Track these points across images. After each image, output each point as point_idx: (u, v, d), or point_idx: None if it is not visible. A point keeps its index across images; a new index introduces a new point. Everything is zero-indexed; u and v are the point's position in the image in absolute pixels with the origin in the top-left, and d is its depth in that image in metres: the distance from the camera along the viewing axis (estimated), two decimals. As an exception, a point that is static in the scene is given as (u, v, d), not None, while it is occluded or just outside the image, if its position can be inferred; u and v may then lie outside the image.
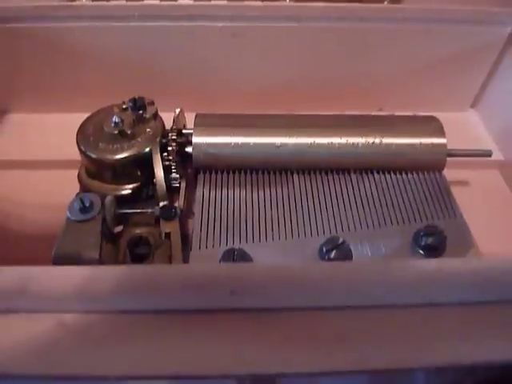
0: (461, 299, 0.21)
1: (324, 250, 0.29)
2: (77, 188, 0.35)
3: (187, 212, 0.34)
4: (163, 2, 0.39)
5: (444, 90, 0.46)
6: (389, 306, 0.20)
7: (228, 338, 0.19)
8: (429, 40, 0.42)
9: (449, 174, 0.36)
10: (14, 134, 0.43)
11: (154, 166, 0.32)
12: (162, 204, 0.31)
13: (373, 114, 0.39)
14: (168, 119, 0.36)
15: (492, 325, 0.21)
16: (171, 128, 0.34)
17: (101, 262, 0.28)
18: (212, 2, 0.39)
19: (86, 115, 0.36)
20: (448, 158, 0.36)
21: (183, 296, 0.19)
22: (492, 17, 0.41)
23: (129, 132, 0.34)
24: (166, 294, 0.19)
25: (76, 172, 0.35)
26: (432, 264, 0.20)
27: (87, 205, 0.28)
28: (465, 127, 0.47)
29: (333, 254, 0.29)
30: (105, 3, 0.39)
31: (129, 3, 0.39)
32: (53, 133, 0.42)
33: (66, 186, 0.34)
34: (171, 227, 0.30)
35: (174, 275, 0.19)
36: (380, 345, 0.20)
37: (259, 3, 0.39)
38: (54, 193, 0.33)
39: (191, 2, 0.39)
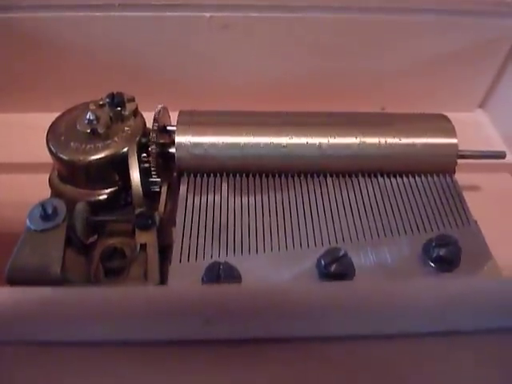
0: (489, 326, 0.17)
1: (323, 263, 0.26)
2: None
3: (170, 220, 0.31)
4: (147, -9, 0.36)
5: (450, 88, 0.44)
6: (401, 335, 0.17)
7: (202, 376, 0.15)
8: (435, 34, 0.40)
9: (457, 177, 0.34)
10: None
11: (130, 167, 0.28)
12: (137, 211, 0.27)
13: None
14: (151, 118, 0.33)
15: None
16: (152, 126, 0.31)
17: (64, 277, 0.24)
18: (200, -10, 0.36)
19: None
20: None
21: (147, 325, 0.15)
22: (503, 9, 0.38)
23: (104, 131, 0.30)
24: (125, 323, 0.15)
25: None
26: (454, 284, 0.16)
27: (50, 212, 0.25)
28: (472, 128, 0.44)
29: (333, 268, 0.25)
30: (83, -9, 0.36)
31: (110, -8, 0.37)
32: (30, 133, 0.39)
33: (41, 191, 0.31)
34: (147, 238, 0.26)
35: (136, 300, 0.15)
36: (391, 381, 0.16)
37: (253, -9, 0.36)
38: (29, 198, 0.30)
39: (177, -10, 0.36)
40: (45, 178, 0.33)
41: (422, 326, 0.17)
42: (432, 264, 0.27)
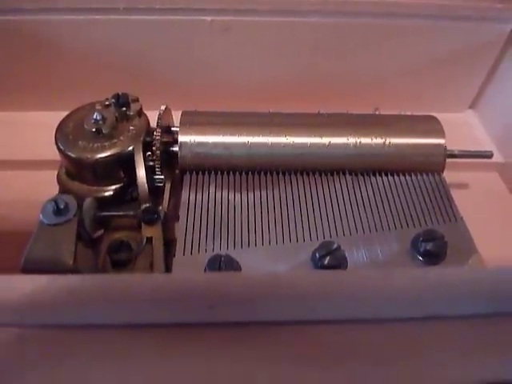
0: (467, 312, 0.19)
1: (317, 256, 0.27)
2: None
3: (173, 215, 0.32)
4: (150, -5, 0.38)
5: (442, 89, 0.45)
6: (388, 320, 0.18)
7: (206, 356, 0.17)
8: (427, 37, 0.41)
9: (446, 176, 0.35)
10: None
11: (136, 165, 0.30)
12: (143, 207, 0.29)
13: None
14: (155, 118, 0.34)
15: (503, 340, 0.19)
16: (156, 126, 0.33)
17: (76, 268, 0.26)
18: (202, -5, 0.38)
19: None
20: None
21: (154, 309, 0.17)
22: (493, 13, 0.40)
23: (110, 130, 0.32)
24: (134, 307, 0.17)
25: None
26: (435, 274, 0.18)
27: (62, 207, 0.26)
28: (463, 129, 0.46)
29: (326, 261, 0.27)
30: (88, -5, 0.37)
31: (114, -5, 0.38)
32: (35, 132, 0.40)
33: (46, 188, 0.32)
34: (153, 232, 0.28)
35: (144, 286, 0.17)
36: (378, 363, 0.18)
37: (251, -4, 0.37)
38: (34, 194, 0.31)
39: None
40: (51, 174, 0.33)
41: (406, 311, 0.18)
42: (420, 257, 0.29)
